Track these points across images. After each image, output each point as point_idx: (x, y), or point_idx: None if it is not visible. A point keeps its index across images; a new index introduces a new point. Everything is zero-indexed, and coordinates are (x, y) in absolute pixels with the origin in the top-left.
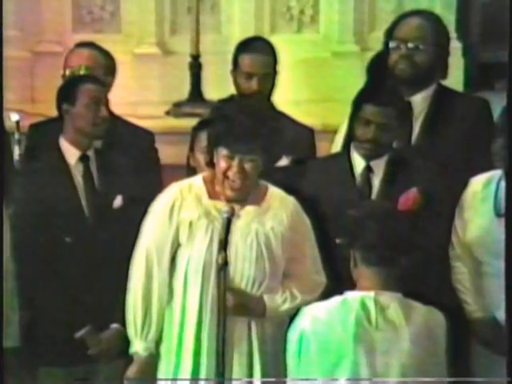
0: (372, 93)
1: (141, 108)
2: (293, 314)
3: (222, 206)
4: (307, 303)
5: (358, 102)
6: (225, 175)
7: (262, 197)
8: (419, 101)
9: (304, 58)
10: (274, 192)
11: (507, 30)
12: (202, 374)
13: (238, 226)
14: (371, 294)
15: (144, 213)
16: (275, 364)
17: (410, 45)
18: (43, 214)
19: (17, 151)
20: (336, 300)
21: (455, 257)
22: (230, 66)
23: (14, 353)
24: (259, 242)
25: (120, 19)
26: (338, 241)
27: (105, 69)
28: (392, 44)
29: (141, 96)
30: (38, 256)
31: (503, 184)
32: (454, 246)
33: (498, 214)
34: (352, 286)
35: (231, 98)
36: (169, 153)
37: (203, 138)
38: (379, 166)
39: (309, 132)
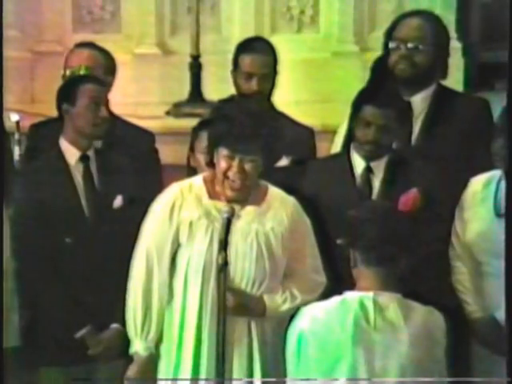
0: (372, 94)
1: (141, 108)
2: (293, 314)
3: (223, 206)
4: (307, 303)
5: (358, 104)
6: (225, 175)
7: (262, 197)
8: (419, 101)
9: (304, 58)
10: (274, 192)
11: (507, 29)
12: (202, 373)
13: (238, 226)
14: (370, 294)
15: (144, 213)
16: (275, 364)
17: (410, 45)
18: (43, 214)
19: (17, 151)
20: (335, 300)
21: (455, 257)
22: (230, 66)
23: (14, 353)
24: (259, 242)
25: (120, 19)
26: (338, 241)
27: (105, 69)
28: (392, 44)
29: (141, 96)
30: (37, 256)
31: (503, 184)
32: (453, 246)
33: (497, 214)
34: (352, 286)
35: (231, 99)
36: (169, 153)
37: (203, 138)
38: (379, 167)
39: (309, 132)
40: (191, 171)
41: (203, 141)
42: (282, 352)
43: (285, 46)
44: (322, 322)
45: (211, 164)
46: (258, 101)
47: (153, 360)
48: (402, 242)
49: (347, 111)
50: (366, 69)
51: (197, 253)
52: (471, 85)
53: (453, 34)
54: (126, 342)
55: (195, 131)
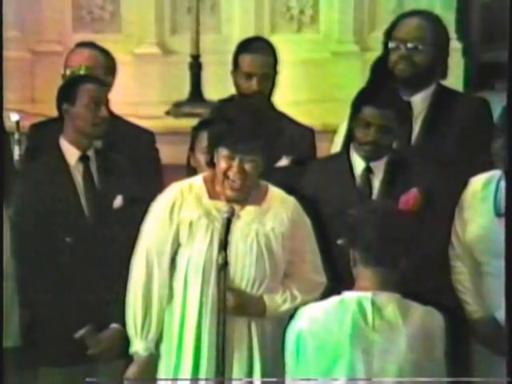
0: (371, 94)
1: (141, 108)
2: (292, 314)
3: (223, 206)
4: (307, 303)
5: (358, 104)
6: (225, 175)
7: (263, 197)
8: (419, 101)
9: (304, 58)
10: (275, 192)
11: (507, 29)
12: (202, 373)
13: (238, 226)
14: (368, 294)
15: (144, 213)
16: (275, 364)
17: (410, 45)
18: (43, 214)
19: (17, 151)
20: (333, 300)
21: (455, 257)
22: (230, 66)
23: (14, 353)
24: (259, 242)
25: (120, 19)
26: (338, 242)
27: (105, 69)
28: (391, 44)
29: (141, 96)
30: (38, 256)
31: (503, 184)
32: (453, 246)
33: (497, 214)
34: (352, 286)
35: (231, 98)
36: (169, 153)
37: (203, 138)
38: (379, 167)
39: (309, 132)
40: (191, 171)
41: (203, 141)
42: (281, 352)
43: (285, 46)
44: (320, 323)
45: (211, 164)
46: (258, 101)
47: (153, 360)
48: (402, 241)
49: (347, 111)
50: (366, 69)
51: (197, 253)
52: (471, 85)
53: (453, 34)
54: (126, 342)
55: (195, 131)
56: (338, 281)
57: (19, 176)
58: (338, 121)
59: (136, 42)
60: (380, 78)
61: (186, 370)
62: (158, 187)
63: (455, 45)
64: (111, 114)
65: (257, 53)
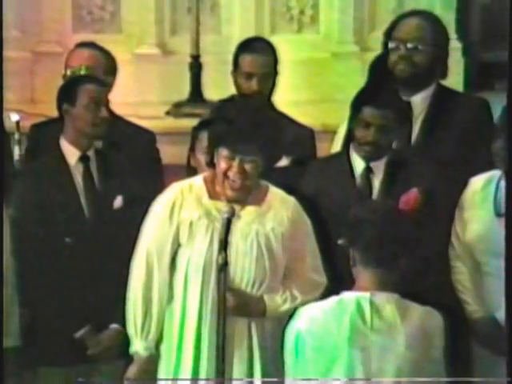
0: (371, 95)
1: (141, 108)
2: (291, 314)
3: (223, 206)
4: (307, 303)
5: (358, 104)
6: (225, 175)
7: (263, 197)
8: (419, 101)
9: (304, 58)
10: (275, 192)
11: (507, 30)
12: (202, 373)
13: (238, 227)
14: (367, 294)
15: (144, 213)
16: (275, 364)
17: (409, 45)
18: (43, 214)
19: (17, 151)
20: (332, 300)
21: (455, 257)
22: (230, 67)
23: (14, 352)
24: (259, 243)
25: (120, 19)
26: (339, 242)
27: (105, 69)
28: (391, 44)
29: (141, 96)
30: (38, 256)
31: (503, 184)
32: (453, 246)
33: (497, 214)
34: (352, 286)
35: (231, 99)
36: (169, 153)
37: (204, 139)
38: (379, 167)
39: (309, 132)
40: (191, 171)
41: (203, 141)
42: (281, 352)
43: (285, 46)
44: (319, 322)
45: (211, 164)
46: (258, 101)
47: (153, 360)
48: (402, 241)
49: (347, 111)
50: (366, 69)
51: (197, 253)
52: (471, 85)
53: (453, 34)
54: (126, 342)
55: (195, 131)
56: (338, 281)
57: (19, 176)
58: (338, 121)
59: (136, 42)
60: (379, 78)
61: (186, 370)
62: (159, 187)
63: (455, 45)
64: (111, 114)
65: (257, 53)
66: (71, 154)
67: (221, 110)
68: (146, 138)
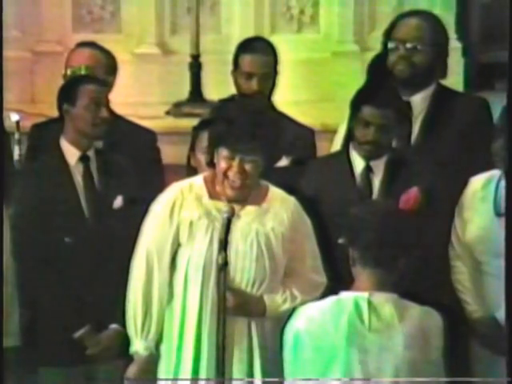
0: (370, 94)
1: (141, 108)
2: (290, 314)
3: (223, 205)
4: (307, 303)
5: (357, 104)
6: (225, 175)
7: (263, 197)
8: (419, 101)
9: (304, 58)
10: (275, 192)
11: (507, 30)
12: (202, 373)
13: (238, 226)
14: (365, 294)
15: (144, 213)
16: (275, 363)
17: (409, 45)
18: (43, 214)
19: (17, 151)
20: (330, 300)
21: (455, 256)
22: (230, 66)
23: (14, 352)
24: (259, 242)
25: (120, 19)
26: (339, 241)
27: (106, 68)
28: (391, 44)
29: (141, 96)
30: (37, 256)
31: (503, 184)
32: (453, 246)
33: (497, 214)
34: (352, 286)
35: (232, 98)
36: (169, 153)
37: (204, 138)
38: (379, 166)
39: (309, 132)
40: (191, 171)
41: (203, 141)
42: (281, 352)
43: (285, 46)
44: (317, 322)
45: (211, 164)
46: (259, 101)
47: (153, 360)
48: (402, 241)
49: (347, 111)
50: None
51: (197, 253)
52: (471, 85)
53: (453, 34)
54: (125, 342)
55: (196, 131)
56: (338, 281)
57: (19, 176)
58: (338, 121)
59: (136, 42)
60: (379, 78)
61: (186, 370)
62: (159, 187)
63: (455, 45)
64: (112, 113)
65: (257, 53)
66: (71, 153)
67: (221, 109)
68: (146, 138)
